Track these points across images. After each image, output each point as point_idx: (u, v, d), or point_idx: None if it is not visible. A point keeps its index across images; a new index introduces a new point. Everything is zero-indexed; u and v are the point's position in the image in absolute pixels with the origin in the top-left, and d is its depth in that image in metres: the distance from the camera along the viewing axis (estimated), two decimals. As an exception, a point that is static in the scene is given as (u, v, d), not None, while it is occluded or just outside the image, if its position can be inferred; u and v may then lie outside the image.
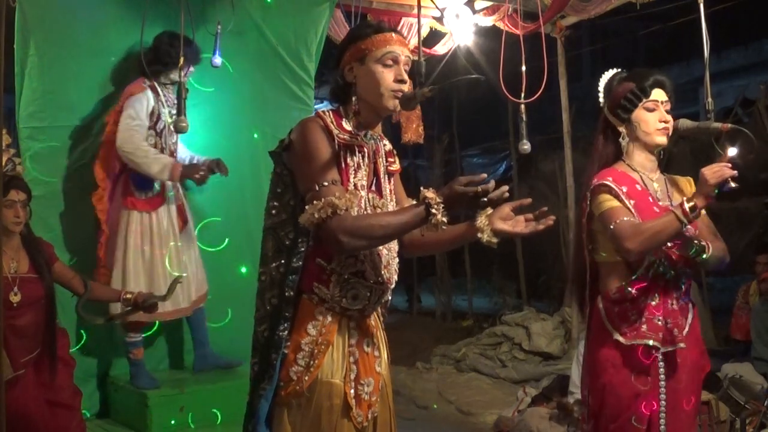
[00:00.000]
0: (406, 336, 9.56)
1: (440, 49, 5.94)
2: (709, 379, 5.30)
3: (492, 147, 13.16)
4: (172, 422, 4.31)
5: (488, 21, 5.72)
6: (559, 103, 6.47)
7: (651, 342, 2.73)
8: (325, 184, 2.19)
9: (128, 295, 3.66)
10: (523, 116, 4.41)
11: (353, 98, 2.34)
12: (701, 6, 3.09)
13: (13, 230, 3.42)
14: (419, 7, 4.06)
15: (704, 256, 2.69)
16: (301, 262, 2.27)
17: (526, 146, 4.40)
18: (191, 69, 4.52)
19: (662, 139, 2.83)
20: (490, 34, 5.86)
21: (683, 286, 2.82)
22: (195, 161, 4.66)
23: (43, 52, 4.29)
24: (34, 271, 3.47)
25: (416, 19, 5.07)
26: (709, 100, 2.91)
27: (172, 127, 4.46)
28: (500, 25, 5.51)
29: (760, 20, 11.80)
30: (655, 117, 2.81)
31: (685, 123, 2.83)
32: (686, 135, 2.88)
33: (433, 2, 5.25)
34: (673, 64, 14.68)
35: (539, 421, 4.98)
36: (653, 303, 2.76)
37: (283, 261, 2.28)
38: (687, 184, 2.90)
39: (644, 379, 2.74)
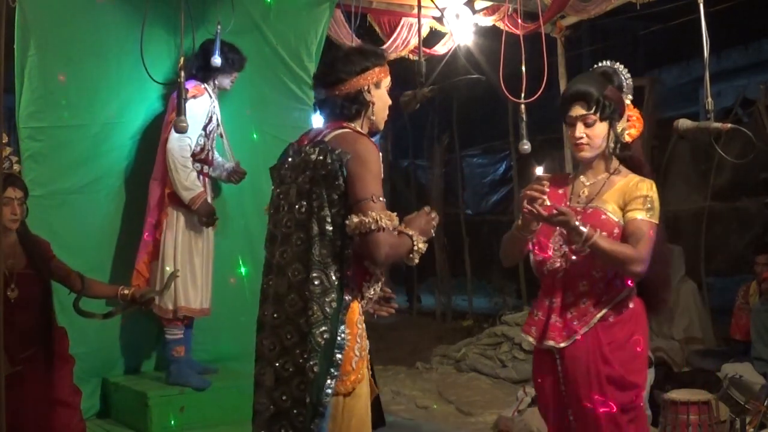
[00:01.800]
0: (406, 336, 9.56)
1: (440, 49, 5.94)
2: (708, 379, 5.34)
3: (492, 147, 13.11)
4: (172, 422, 4.31)
5: (488, 21, 5.72)
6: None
7: (525, 336, 2.91)
8: (382, 199, 2.46)
9: (126, 291, 3.67)
10: (523, 116, 4.41)
11: (371, 117, 2.64)
12: (701, 6, 3.09)
13: (10, 227, 3.43)
14: (419, 7, 4.06)
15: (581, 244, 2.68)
16: (351, 268, 2.49)
17: (526, 146, 4.40)
18: (236, 75, 4.67)
19: (581, 155, 2.85)
20: (490, 34, 5.85)
21: (580, 288, 2.78)
22: (224, 167, 4.77)
23: (43, 52, 4.28)
24: (31, 267, 3.48)
25: (416, 19, 5.07)
26: (709, 99, 2.90)
27: (219, 131, 4.65)
28: (500, 25, 5.50)
29: (760, 20, 11.80)
30: (572, 132, 2.85)
31: (685, 123, 2.83)
32: (686, 135, 2.87)
33: (433, 2, 5.25)
34: (673, 64, 14.67)
35: (539, 421, 4.97)
36: (538, 300, 2.91)
37: (338, 267, 2.46)
38: (632, 186, 2.80)
39: (541, 371, 2.91)
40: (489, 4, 5.69)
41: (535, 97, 4.25)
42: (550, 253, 2.85)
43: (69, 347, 3.68)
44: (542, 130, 10.24)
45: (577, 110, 2.82)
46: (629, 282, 2.79)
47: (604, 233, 2.71)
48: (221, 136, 4.74)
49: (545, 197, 2.64)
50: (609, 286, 2.78)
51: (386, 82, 2.67)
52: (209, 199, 4.65)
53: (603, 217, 2.77)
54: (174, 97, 4.45)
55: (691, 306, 6.42)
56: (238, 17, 4.70)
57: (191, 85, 4.43)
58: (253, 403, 2.64)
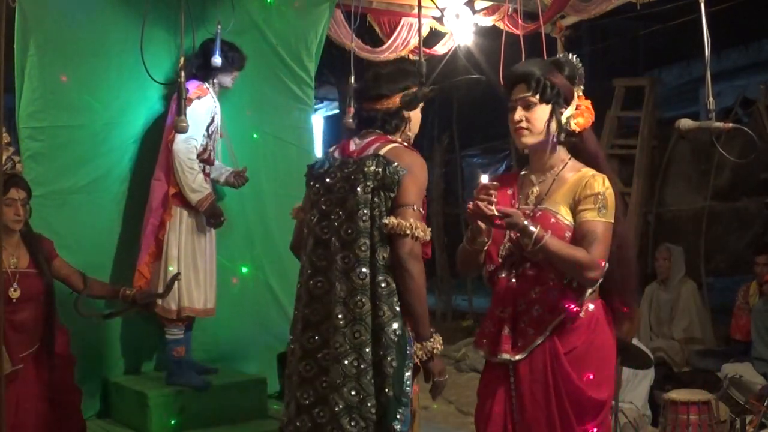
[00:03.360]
0: (406, 336, 9.54)
1: (440, 49, 5.94)
2: (708, 379, 5.34)
3: (492, 147, 13.11)
4: (172, 422, 4.30)
5: (488, 21, 5.72)
6: (559, 103, 6.45)
7: (477, 350, 2.81)
8: (422, 211, 2.70)
9: (127, 292, 3.68)
10: (523, 116, 4.40)
11: (407, 133, 2.85)
12: (702, 6, 3.08)
13: (13, 228, 3.44)
14: (419, 7, 4.06)
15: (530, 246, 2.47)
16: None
17: (526, 146, 4.39)
18: (236, 74, 4.64)
19: (522, 140, 2.63)
20: (490, 34, 5.85)
21: (533, 295, 2.58)
22: (223, 170, 4.73)
23: (43, 52, 4.28)
24: (33, 266, 3.48)
25: (416, 19, 5.07)
26: (710, 99, 2.88)
27: (219, 131, 4.62)
28: (500, 25, 5.50)
29: (760, 20, 11.78)
30: (511, 116, 2.64)
31: (687, 123, 2.81)
32: (687, 135, 2.86)
33: (433, 2, 5.25)
34: (673, 64, 14.66)
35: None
36: (489, 310, 2.73)
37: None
38: (584, 183, 2.58)
39: (489, 388, 2.74)
40: (489, 4, 5.69)
41: (535, 97, 4.24)
42: (500, 260, 2.66)
43: (70, 347, 3.68)
44: (542, 130, 10.23)
45: (517, 93, 2.62)
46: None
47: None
48: (221, 137, 4.73)
49: (493, 207, 2.44)
50: (564, 291, 2.56)
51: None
52: None
53: (552, 220, 2.56)
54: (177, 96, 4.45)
55: (691, 306, 6.42)
56: (238, 17, 4.70)
57: (194, 86, 4.43)
58: (293, 396, 2.75)
